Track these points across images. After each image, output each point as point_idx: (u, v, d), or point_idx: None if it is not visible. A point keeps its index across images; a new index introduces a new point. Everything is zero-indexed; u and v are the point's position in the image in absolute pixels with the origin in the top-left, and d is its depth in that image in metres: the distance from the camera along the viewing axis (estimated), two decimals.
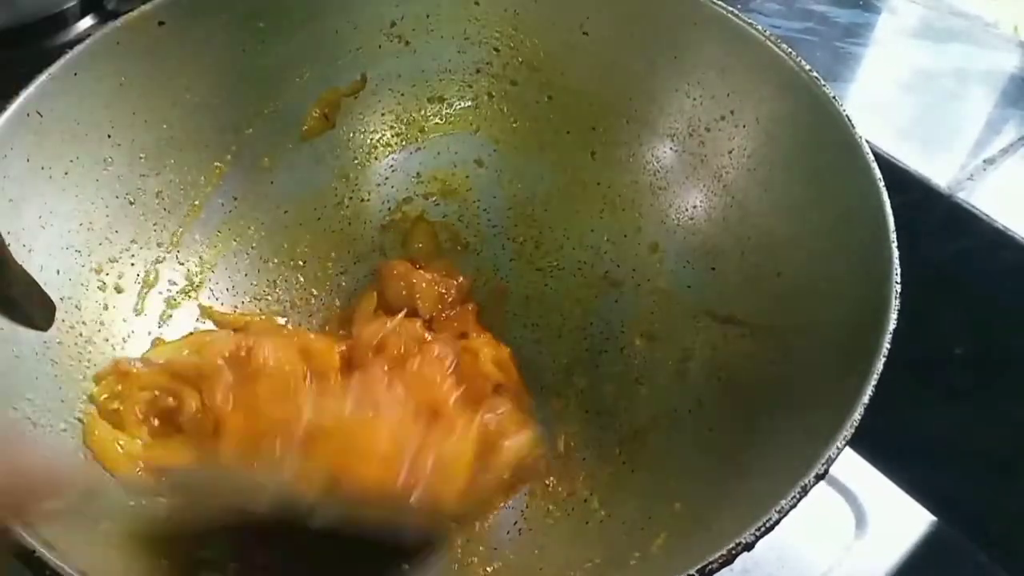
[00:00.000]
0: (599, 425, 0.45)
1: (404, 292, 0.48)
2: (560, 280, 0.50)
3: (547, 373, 0.48)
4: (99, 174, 0.42)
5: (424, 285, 0.49)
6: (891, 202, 0.37)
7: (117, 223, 0.43)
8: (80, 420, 0.38)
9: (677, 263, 0.47)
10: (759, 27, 0.43)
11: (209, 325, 0.46)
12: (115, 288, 0.43)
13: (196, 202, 0.46)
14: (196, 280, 0.46)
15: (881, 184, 0.37)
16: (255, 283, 0.48)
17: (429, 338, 0.44)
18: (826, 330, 0.38)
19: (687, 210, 0.47)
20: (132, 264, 0.44)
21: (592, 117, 0.50)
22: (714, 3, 0.44)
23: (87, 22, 0.58)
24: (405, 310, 0.47)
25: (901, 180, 0.56)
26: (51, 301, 0.38)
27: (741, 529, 0.29)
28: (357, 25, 0.49)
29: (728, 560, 0.29)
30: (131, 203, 0.44)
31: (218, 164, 0.47)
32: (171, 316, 0.45)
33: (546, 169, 0.51)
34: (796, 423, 0.36)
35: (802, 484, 0.30)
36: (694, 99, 0.46)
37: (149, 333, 0.44)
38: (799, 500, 0.30)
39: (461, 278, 0.50)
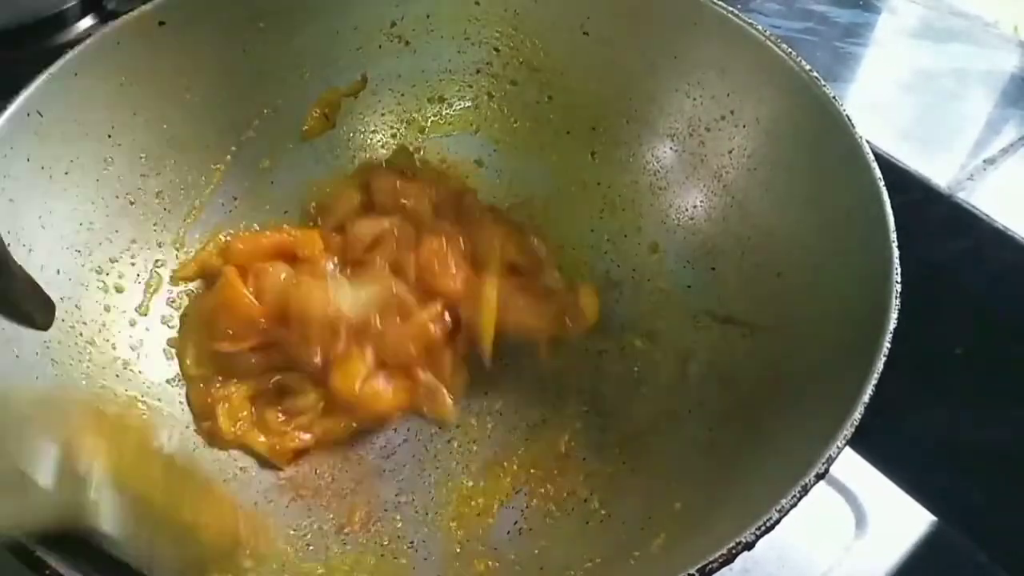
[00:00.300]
0: (599, 426, 0.45)
1: (393, 197, 0.49)
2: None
3: (547, 373, 0.48)
4: (99, 174, 0.42)
5: (415, 189, 0.49)
6: (891, 202, 0.37)
7: (117, 223, 0.43)
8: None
9: (677, 263, 0.47)
10: (759, 27, 0.43)
11: None
12: (115, 288, 0.43)
13: (197, 202, 0.46)
14: (196, 280, 0.46)
15: (881, 184, 0.37)
16: None
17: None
18: (826, 330, 0.38)
19: (687, 210, 0.47)
20: (132, 264, 0.44)
21: (592, 117, 0.50)
22: (714, 3, 0.44)
23: (87, 22, 0.58)
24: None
25: (901, 180, 0.56)
26: (51, 301, 0.38)
27: (741, 528, 0.29)
28: (357, 25, 0.49)
29: (728, 559, 0.29)
30: (131, 203, 0.44)
31: (218, 164, 0.47)
32: (172, 316, 0.45)
33: (546, 169, 0.51)
34: (796, 423, 0.36)
35: (802, 484, 0.30)
36: (694, 99, 0.46)
37: (148, 330, 0.44)
38: (799, 499, 0.30)
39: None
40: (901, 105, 0.63)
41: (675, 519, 0.38)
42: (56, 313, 0.39)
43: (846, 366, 0.33)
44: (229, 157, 0.47)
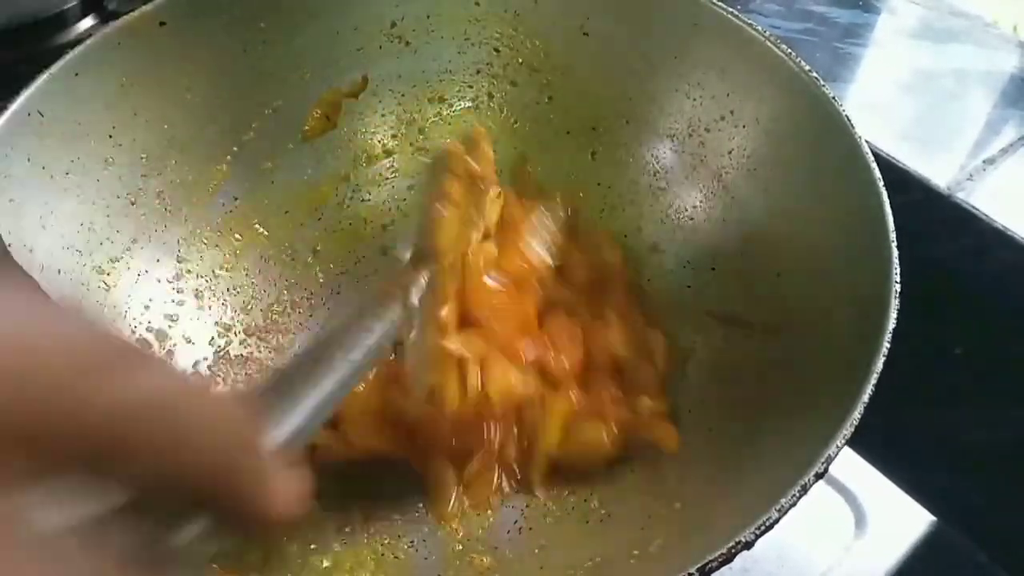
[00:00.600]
0: None
1: None
2: None
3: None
4: (100, 174, 0.42)
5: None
6: (891, 202, 0.37)
7: (118, 223, 0.43)
8: None
9: (677, 263, 0.47)
10: (759, 28, 0.43)
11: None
12: (116, 287, 0.43)
13: (197, 202, 0.47)
14: (197, 280, 0.46)
15: (881, 184, 0.37)
16: (256, 282, 0.48)
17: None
18: (826, 330, 0.38)
19: (687, 210, 0.47)
20: (133, 264, 0.44)
21: (592, 118, 0.50)
22: (714, 4, 0.44)
23: (88, 22, 0.59)
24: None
25: (901, 180, 0.56)
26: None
27: (741, 528, 0.29)
28: (358, 26, 0.49)
29: (728, 559, 0.29)
30: (132, 203, 0.44)
31: (219, 164, 0.47)
32: (174, 315, 0.45)
33: (546, 170, 0.51)
34: (796, 423, 0.36)
35: (802, 483, 0.30)
36: (694, 99, 0.46)
37: (150, 329, 0.44)
38: (799, 499, 0.30)
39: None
40: (901, 105, 0.63)
41: (675, 518, 0.38)
42: None
43: (846, 366, 0.33)
44: (230, 157, 0.47)
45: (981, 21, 0.71)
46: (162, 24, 0.43)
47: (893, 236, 0.36)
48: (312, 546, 0.40)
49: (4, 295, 0.17)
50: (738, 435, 0.39)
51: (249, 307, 0.48)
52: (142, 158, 0.44)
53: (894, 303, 0.34)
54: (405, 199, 0.52)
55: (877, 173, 0.38)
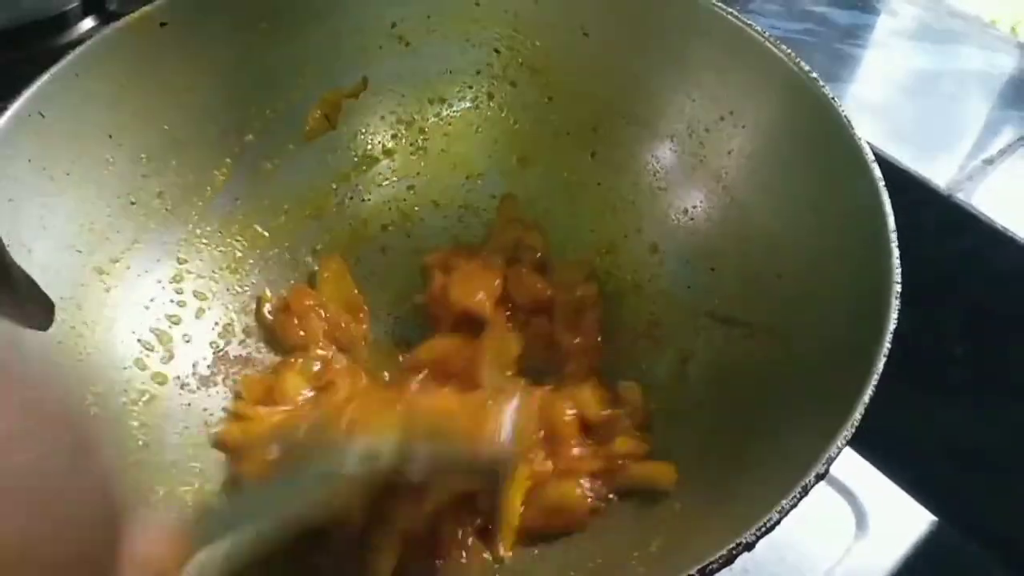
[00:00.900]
0: None
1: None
2: None
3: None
4: (100, 174, 0.42)
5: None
6: (891, 202, 0.37)
7: (118, 223, 0.43)
8: None
9: (677, 264, 0.47)
10: (758, 28, 0.43)
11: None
12: (116, 288, 0.43)
13: (198, 202, 0.46)
14: (197, 280, 0.46)
15: (881, 184, 0.37)
16: (256, 283, 0.48)
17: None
18: (826, 330, 0.38)
19: (687, 211, 0.47)
20: (133, 264, 0.44)
21: (592, 118, 0.50)
22: (714, 4, 0.44)
23: (88, 23, 0.58)
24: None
25: (901, 180, 0.56)
26: (51, 301, 0.38)
27: (741, 529, 0.29)
28: (358, 26, 0.49)
29: (728, 560, 0.29)
30: (132, 203, 0.44)
31: (220, 165, 0.47)
32: (175, 315, 0.45)
33: (546, 170, 0.52)
34: (796, 423, 0.36)
35: (802, 484, 0.30)
36: (694, 100, 0.46)
37: (151, 330, 0.44)
38: (799, 500, 0.30)
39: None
40: (900, 106, 0.63)
41: (675, 519, 0.38)
42: (56, 314, 0.39)
43: (846, 366, 0.33)
44: (230, 158, 0.47)
45: (980, 22, 0.71)
46: (163, 25, 0.43)
47: (894, 236, 0.36)
48: None
49: None
50: (738, 436, 0.39)
51: (249, 307, 0.48)
52: (142, 158, 0.44)
53: (895, 303, 0.34)
54: (405, 199, 0.52)
55: (878, 173, 0.38)
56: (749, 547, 0.29)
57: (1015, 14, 0.74)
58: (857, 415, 0.31)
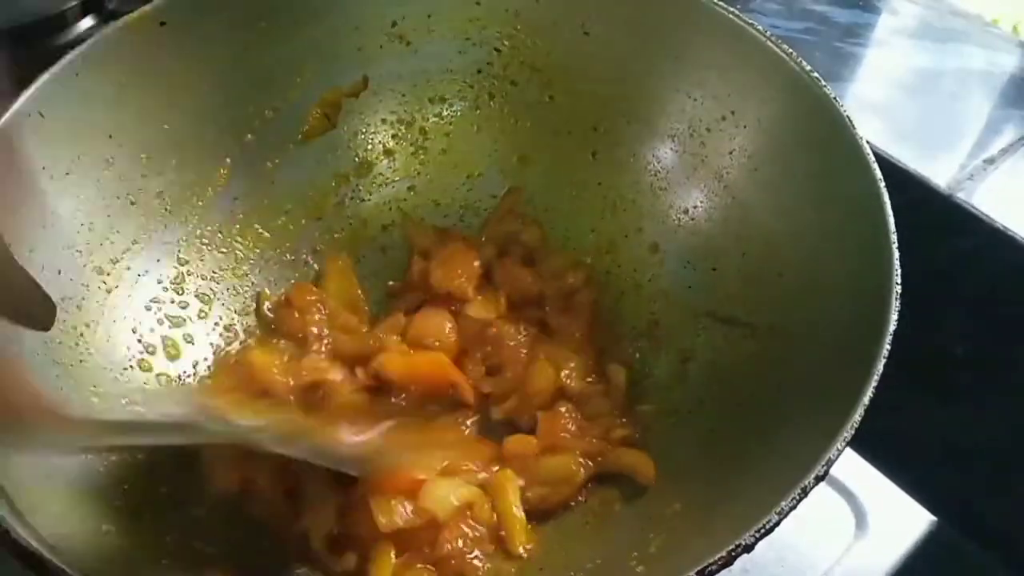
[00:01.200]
0: None
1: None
2: None
3: None
4: (100, 174, 0.42)
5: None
6: (891, 202, 0.37)
7: (119, 223, 0.43)
8: None
9: (678, 264, 0.47)
10: (759, 27, 0.43)
11: None
12: (117, 288, 0.43)
13: (198, 202, 0.46)
14: (198, 281, 0.46)
15: (881, 184, 0.37)
16: (256, 283, 0.48)
17: None
18: (827, 330, 0.38)
19: (688, 210, 0.47)
20: (134, 264, 0.44)
21: (593, 117, 0.50)
22: (715, 4, 0.44)
23: (88, 23, 0.58)
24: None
25: (901, 180, 0.56)
26: (51, 301, 0.38)
27: (741, 530, 0.29)
28: (358, 25, 0.49)
29: (728, 561, 0.29)
30: (132, 203, 0.44)
31: (220, 164, 0.47)
32: (174, 317, 0.45)
33: (547, 170, 0.51)
34: (796, 424, 0.36)
35: (802, 485, 0.30)
36: (695, 99, 0.46)
37: (152, 330, 0.44)
38: (799, 501, 0.30)
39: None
40: (901, 105, 0.63)
41: (675, 520, 0.38)
42: (57, 313, 0.39)
43: (846, 367, 0.33)
44: (230, 158, 0.47)
45: (981, 21, 0.71)
46: (162, 24, 0.43)
47: (894, 236, 0.36)
48: None
49: None
50: (738, 436, 0.39)
51: (249, 308, 0.48)
52: (142, 158, 0.44)
53: (895, 303, 0.34)
54: (405, 199, 0.52)
55: (878, 173, 0.38)
56: (748, 548, 0.29)
57: (1016, 13, 0.74)
58: (857, 416, 0.31)
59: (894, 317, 0.33)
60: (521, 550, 0.40)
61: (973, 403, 0.56)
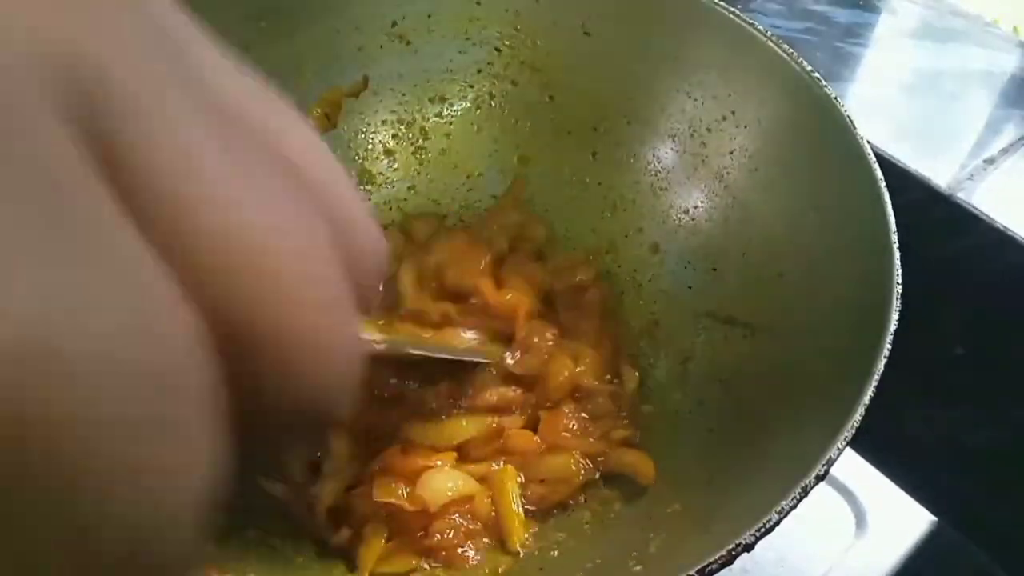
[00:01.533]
0: None
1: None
2: None
3: None
4: None
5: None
6: (892, 202, 0.37)
7: None
8: None
9: (678, 264, 0.47)
10: (760, 27, 0.43)
11: None
12: None
13: None
14: None
15: (882, 184, 0.37)
16: None
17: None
18: (827, 330, 0.38)
19: (688, 211, 0.47)
20: None
21: (593, 117, 0.50)
22: (715, 4, 0.44)
23: None
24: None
25: (901, 180, 0.56)
26: None
27: (741, 530, 0.29)
28: (358, 25, 0.49)
29: (728, 561, 0.29)
30: None
31: None
32: None
33: (547, 170, 0.51)
34: (796, 424, 0.36)
35: (802, 485, 0.30)
36: (695, 99, 0.46)
37: None
38: (799, 501, 0.30)
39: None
40: (901, 105, 0.63)
41: (675, 519, 0.38)
42: None
43: (847, 367, 0.33)
44: None
45: (981, 21, 0.71)
46: None
47: (894, 236, 0.36)
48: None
49: None
50: (738, 436, 0.39)
51: None
52: None
53: (895, 303, 0.34)
54: (405, 199, 0.52)
55: (879, 173, 0.38)
56: (748, 548, 0.29)
57: (1016, 13, 0.74)
58: (857, 416, 0.31)
59: (894, 317, 0.33)
60: (519, 546, 0.40)
61: (973, 403, 0.56)
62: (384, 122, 0.52)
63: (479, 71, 0.51)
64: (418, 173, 0.53)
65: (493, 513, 0.41)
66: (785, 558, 0.46)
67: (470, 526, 0.40)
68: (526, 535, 0.41)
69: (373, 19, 0.49)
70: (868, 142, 0.39)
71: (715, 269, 0.46)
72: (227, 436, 0.12)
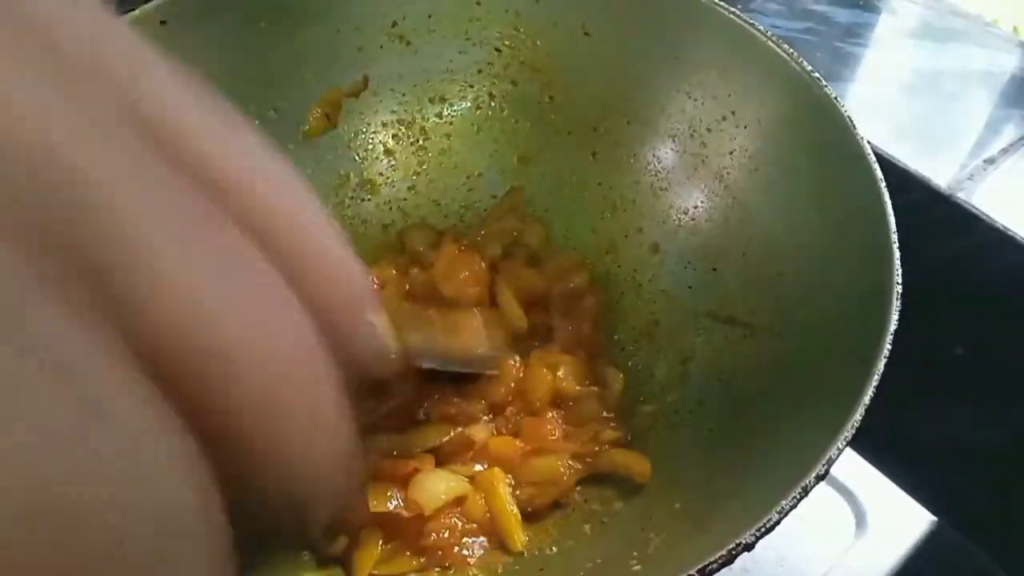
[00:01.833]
0: None
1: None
2: None
3: None
4: None
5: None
6: (892, 202, 0.37)
7: None
8: None
9: (678, 264, 0.47)
10: (760, 27, 0.43)
11: None
12: None
13: None
14: None
15: (882, 184, 0.37)
16: None
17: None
18: (827, 330, 0.38)
19: (688, 211, 0.47)
20: None
21: (593, 118, 0.50)
22: (715, 4, 0.44)
23: None
24: None
25: (901, 180, 0.56)
26: None
27: (741, 529, 0.29)
28: (359, 25, 0.49)
29: (728, 560, 0.29)
30: None
31: None
32: None
33: (547, 170, 0.51)
34: (796, 423, 0.36)
35: (802, 484, 0.30)
36: (695, 99, 0.46)
37: None
38: (799, 500, 0.30)
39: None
40: (901, 105, 0.63)
41: (675, 519, 0.38)
42: None
43: (847, 367, 0.33)
44: None
45: (981, 21, 0.71)
46: (162, 23, 0.43)
47: (894, 236, 0.36)
48: None
49: None
50: (738, 436, 0.39)
51: None
52: None
53: (895, 303, 0.34)
54: (405, 199, 0.52)
55: (879, 173, 0.38)
56: (749, 547, 0.29)
57: (1016, 13, 0.74)
58: (857, 416, 0.31)
59: (894, 317, 0.33)
60: (520, 546, 0.40)
61: (973, 403, 0.56)
62: (384, 122, 0.52)
63: (479, 71, 0.51)
64: (418, 173, 0.53)
65: (487, 514, 0.41)
66: (785, 558, 0.46)
67: (465, 525, 0.40)
68: (526, 535, 0.41)
69: (373, 19, 0.49)
70: (868, 142, 0.39)
71: (715, 269, 0.46)
72: (231, 559, 0.12)
